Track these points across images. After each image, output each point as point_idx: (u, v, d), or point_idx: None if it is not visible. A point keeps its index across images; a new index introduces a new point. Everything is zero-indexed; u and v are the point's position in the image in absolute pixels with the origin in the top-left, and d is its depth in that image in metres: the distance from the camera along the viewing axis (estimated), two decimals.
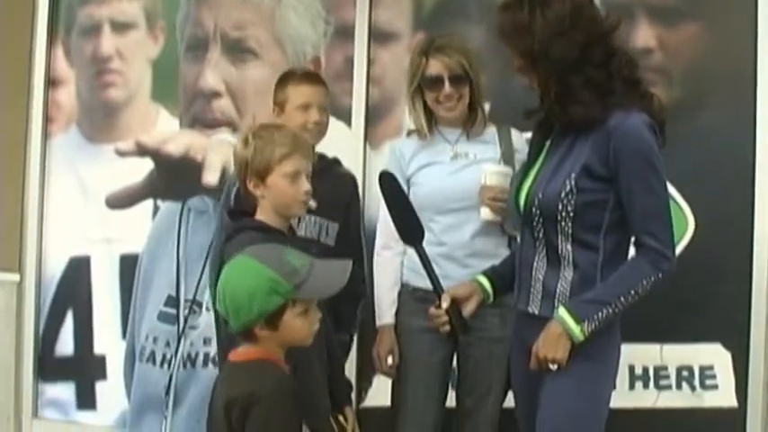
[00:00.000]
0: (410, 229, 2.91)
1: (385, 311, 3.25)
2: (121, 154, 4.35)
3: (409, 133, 3.34)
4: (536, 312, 2.70)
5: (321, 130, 3.31)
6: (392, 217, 2.95)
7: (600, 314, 2.56)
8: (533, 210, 2.69)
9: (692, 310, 3.73)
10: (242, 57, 4.20)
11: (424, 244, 3.01)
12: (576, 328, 2.56)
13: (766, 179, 3.70)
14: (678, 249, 3.12)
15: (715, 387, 3.77)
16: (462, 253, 3.14)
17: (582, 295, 2.59)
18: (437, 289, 2.83)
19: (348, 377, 3.19)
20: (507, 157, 3.20)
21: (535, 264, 2.72)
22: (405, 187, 3.17)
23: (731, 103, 3.74)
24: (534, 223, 2.70)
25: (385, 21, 4.09)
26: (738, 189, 3.69)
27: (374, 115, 4.08)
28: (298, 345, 2.53)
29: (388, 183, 2.95)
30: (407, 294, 3.24)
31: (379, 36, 4.09)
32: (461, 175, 3.19)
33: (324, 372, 2.91)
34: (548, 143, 2.75)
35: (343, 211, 3.36)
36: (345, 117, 4.06)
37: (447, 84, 3.16)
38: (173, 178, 4.27)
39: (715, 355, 3.76)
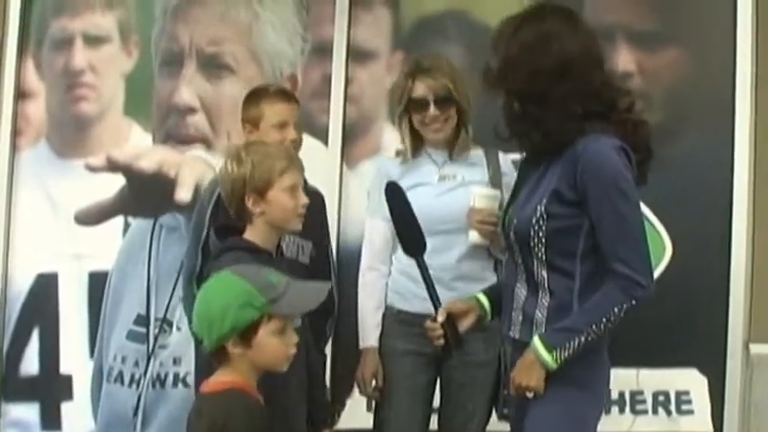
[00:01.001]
0: (414, 241, 2.88)
1: (369, 334, 3.21)
2: (92, 169, 4.27)
3: (398, 153, 3.33)
4: (516, 337, 2.69)
5: (297, 148, 3.28)
6: (397, 228, 2.92)
7: (572, 342, 2.54)
8: (511, 235, 2.68)
9: (669, 334, 3.72)
10: (217, 73, 4.15)
11: (411, 266, 2.99)
12: (547, 357, 2.55)
13: (744, 204, 3.72)
14: (655, 274, 3.09)
15: (691, 412, 3.78)
16: (449, 276, 3.10)
17: (556, 323, 2.58)
18: (435, 302, 2.80)
19: (327, 400, 3.14)
20: (495, 180, 3.19)
21: (516, 289, 2.70)
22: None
23: (709, 128, 3.77)
24: (513, 248, 2.70)
25: (363, 39, 4.07)
26: (716, 213, 3.70)
27: (351, 134, 4.05)
28: (272, 369, 2.44)
29: (395, 193, 2.92)
30: (392, 317, 3.21)
31: (357, 54, 4.06)
32: (449, 197, 3.17)
33: (302, 393, 2.86)
34: (528, 170, 2.73)
35: (317, 229, 3.32)
36: (322, 136, 4.03)
37: (432, 106, 3.16)
38: (144, 195, 4.20)
39: (691, 381, 3.77)
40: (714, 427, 3.73)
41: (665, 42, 3.80)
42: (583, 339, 2.54)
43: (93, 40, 4.32)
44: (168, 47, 4.22)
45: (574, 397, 2.61)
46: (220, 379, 2.41)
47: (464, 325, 2.80)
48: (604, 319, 2.54)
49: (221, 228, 2.92)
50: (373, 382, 3.17)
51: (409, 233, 2.88)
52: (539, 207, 2.59)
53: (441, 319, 2.77)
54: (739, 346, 3.70)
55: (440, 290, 3.00)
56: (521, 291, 2.68)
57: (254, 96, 3.33)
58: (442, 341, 2.80)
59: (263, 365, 2.43)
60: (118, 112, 4.29)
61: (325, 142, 4.01)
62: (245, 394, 2.39)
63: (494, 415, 3.21)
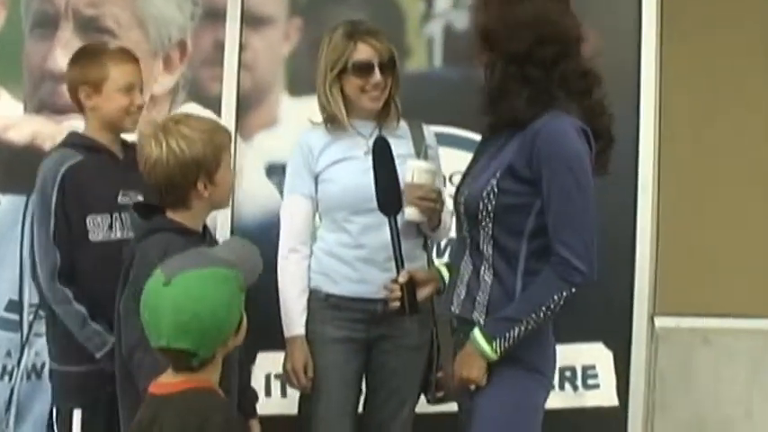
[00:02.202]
0: (392, 200, 2.79)
1: (295, 321, 2.97)
2: None
3: (318, 125, 3.07)
4: (456, 311, 2.61)
5: (140, 114, 3.03)
6: (379, 183, 2.80)
7: (511, 332, 2.48)
8: (460, 209, 2.59)
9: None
10: (97, 37, 3.77)
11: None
12: (487, 348, 2.49)
13: (649, 178, 3.73)
14: None
15: (597, 386, 3.78)
16: (383, 256, 2.90)
17: (495, 307, 2.51)
18: (398, 264, 2.72)
19: (252, 387, 2.92)
20: (419, 153, 3.00)
21: (462, 264, 2.62)
22: (312, 186, 2.99)
23: (614, 103, 3.74)
24: (462, 222, 2.61)
25: (258, 3, 3.84)
26: (620, 187, 3.68)
27: (245, 105, 3.82)
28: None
29: (384, 149, 2.81)
30: (319, 302, 2.99)
31: (251, 20, 3.83)
32: None
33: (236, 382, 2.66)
34: (485, 145, 2.65)
35: None
36: (214, 106, 3.79)
37: (378, 71, 2.93)
38: (15, 169, 3.83)
39: (597, 355, 3.77)
40: (620, 400, 3.76)
41: None
42: (523, 328, 2.48)
43: None
44: (41, 7, 3.86)
45: (521, 379, 2.55)
46: (183, 378, 2.15)
47: (422, 293, 2.74)
48: (544, 308, 2.48)
49: (140, 206, 2.66)
50: (308, 373, 2.95)
51: (390, 191, 2.77)
52: (491, 181, 2.51)
53: (402, 279, 2.70)
54: (644, 319, 3.73)
55: (374, 271, 2.89)
56: (466, 267, 2.60)
57: (93, 54, 3.00)
58: (397, 304, 2.71)
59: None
60: None
61: (218, 113, 3.76)
62: (217, 393, 2.19)
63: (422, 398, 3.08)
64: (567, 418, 3.71)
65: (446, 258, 3.47)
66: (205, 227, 2.68)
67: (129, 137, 3.04)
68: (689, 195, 3.73)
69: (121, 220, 2.94)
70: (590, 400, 3.76)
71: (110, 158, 3.00)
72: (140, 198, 2.87)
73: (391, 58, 2.97)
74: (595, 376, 3.77)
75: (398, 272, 2.74)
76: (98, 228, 2.93)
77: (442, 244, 3.61)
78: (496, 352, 2.47)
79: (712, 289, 3.71)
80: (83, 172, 2.92)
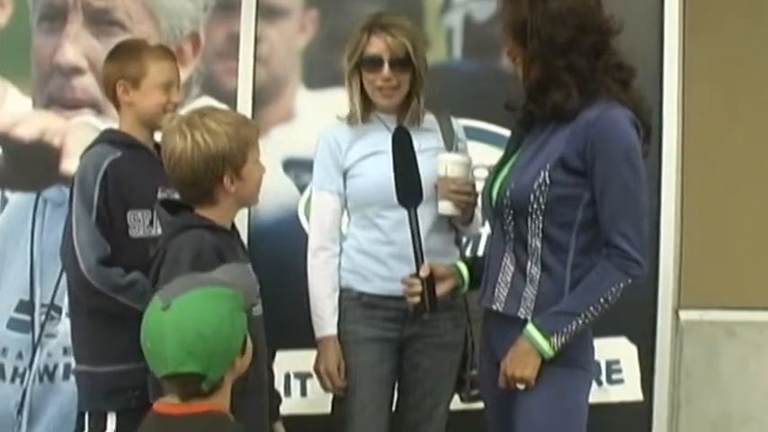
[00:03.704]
0: (412, 191, 2.73)
1: (327, 321, 2.90)
2: None
3: (342, 119, 3.00)
4: (500, 310, 2.55)
5: (176, 112, 2.93)
6: (398, 175, 2.74)
7: (569, 327, 2.43)
8: (504, 202, 2.53)
9: None
10: (107, 29, 3.71)
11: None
12: (545, 344, 2.43)
13: (672, 169, 3.70)
14: None
15: (621, 381, 3.74)
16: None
17: (550, 307, 2.45)
18: (418, 258, 2.65)
19: (276, 389, 2.85)
20: (449, 147, 2.93)
21: (503, 260, 2.56)
22: (341, 182, 2.93)
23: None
24: (505, 217, 2.55)
25: None
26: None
27: (261, 98, 3.73)
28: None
29: (403, 139, 2.75)
30: (351, 300, 2.92)
31: (266, 11, 3.73)
32: None
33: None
34: (527, 138, 2.59)
35: None
36: (230, 100, 3.68)
37: (387, 66, 2.86)
38: (24, 166, 3.75)
39: (621, 349, 3.73)
40: (644, 395, 3.72)
41: None
42: (580, 322, 2.43)
43: None
44: (49, 0, 3.75)
45: (566, 376, 2.50)
46: (191, 403, 2.06)
47: (441, 289, 2.69)
48: (602, 300, 2.43)
49: (167, 203, 2.58)
50: (341, 374, 2.89)
51: (409, 182, 2.71)
52: (542, 172, 2.45)
53: (423, 274, 2.64)
54: (669, 313, 3.69)
55: (405, 267, 2.80)
56: (508, 262, 2.54)
57: (133, 50, 2.96)
58: (417, 299, 2.64)
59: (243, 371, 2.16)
60: None
61: (234, 107, 3.65)
62: (231, 420, 2.10)
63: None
64: (591, 414, 3.57)
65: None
66: (233, 225, 2.61)
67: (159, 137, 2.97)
68: (713, 188, 3.71)
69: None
70: (614, 395, 3.72)
71: (147, 155, 2.93)
72: (177, 196, 2.80)
73: (406, 54, 2.88)
74: (620, 371, 3.73)
75: (418, 266, 2.67)
76: (139, 223, 2.88)
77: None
78: (554, 348, 2.42)
79: (737, 281, 3.69)
80: (123, 167, 2.87)
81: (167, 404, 2.08)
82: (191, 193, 2.49)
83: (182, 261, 2.39)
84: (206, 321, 2.00)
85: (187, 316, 2.01)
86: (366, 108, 2.94)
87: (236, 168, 2.46)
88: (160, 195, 2.85)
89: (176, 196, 2.61)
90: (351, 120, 2.96)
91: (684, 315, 3.70)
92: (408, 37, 2.89)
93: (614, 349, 3.70)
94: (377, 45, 2.87)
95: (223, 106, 3.58)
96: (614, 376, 3.73)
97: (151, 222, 2.90)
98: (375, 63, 2.87)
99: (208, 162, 2.43)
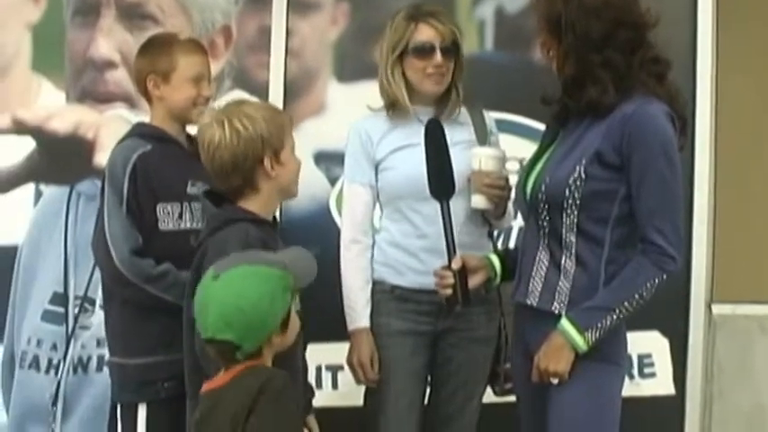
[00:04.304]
0: (445, 183, 2.73)
1: (360, 313, 2.91)
2: None
3: (376, 111, 2.99)
4: (534, 304, 2.54)
5: (207, 106, 2.96)
6: (430, 166, 2.74)
7: (604, 322, 2.42)
8: (539, 196, 2.52)
9: None
10: (140, 23, 3.74)
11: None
12: (579, 339, 2.42)
13: (705, 163, 3.68)
14: None
15: (653, 375, 3.73)
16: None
17: (584, 302, 2.44)
18: (450, 250, 2.66)
19: (309, 382, 2.86)
20: (481, 140, 2.93)
21: (538, 254, 2.55)
22: (372, 175, 2.94)
23: None
24: (540, 211, 2.53)
25: None
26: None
27: (293, 91, 3.74)
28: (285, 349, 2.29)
29: (435, 131, 2.75)
30: (384, 294, 2.93)
31: (297, 4, 3.75)
32: None
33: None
34: (562, 132, 2.58)
35: None
36: (261, 93, 3.69)
37: (439, 52, 2.86)
38: (58, 159, 3.78)
39: (653, 343, 3.71)
40: (677, 389, 3.70)
41: None
42: (615, 317, 2.43)
43: None
44: None
45: (601, 371, 2.50)
46: (232, 370, 2.21)
47: (474, 281, 2.69)
48: (636, 296, 2.42)
49: (209, 194, 2.59)
50: (375, 367, 2.89)
51: (441, 174, 2.71)
52: (578, 167, 2.44)
53: (455, 266, 2.64)
54: (701, 306, 3.67)
55: (439, 261, 2.79)
56: (543, 257, 2.53)
57: (164, 45, 2.97)
58: (449, 291, 2.64)
59: (284, 346, 2.27)
60: (24, 68, 3.83)
61: (265, 100, 3.63)
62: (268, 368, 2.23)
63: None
64: (623, 408, 3.56)
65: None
66: (274, 218, 2.62)
67: (192, 130, 2.99)
68: (746, 180, 3.68)
69: (191, 209, 2.90)
70: (647, 389, 3.70)
71: (178, 149, 2.95)
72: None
73: (454, 41, 2.90)
74: (652, 365, 3.71)
75: (450, 258, 2.67)
76: (168, 216, 2.89)
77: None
78: (588, 343, 2.41)
79: None
80: (153, 160, 2.88)
81: (213, 381, 2.24)
82: (232, 181, 2.48)
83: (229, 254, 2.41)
84: (245, 296, 2.15)
85: (230, 289, 2.16)
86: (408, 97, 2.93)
87: (276, 152, 2.47)
88: (190, 189, 2.87)
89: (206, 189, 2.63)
90: (393, 109, 2.94)
91: (717, 309, 3.67)
92: (455, 24, 2.92)
93: (646, 343, 3.69)
94: (426, 32, 2.88)
95: (254, 99, 3.62)
96: (646, 370, 3.71)
97: (180, 215, 2.91)
98: (426, 50, 2.87)
99: (248, 144, 2.44)
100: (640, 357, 3.70)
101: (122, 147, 2.93)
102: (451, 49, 2.89)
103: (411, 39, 2.87)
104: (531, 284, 2.54)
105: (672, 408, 3.70)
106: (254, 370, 2.19)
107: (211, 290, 2.18)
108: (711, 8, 3.67)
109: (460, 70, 2.94)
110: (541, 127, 2.88)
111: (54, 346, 3.75)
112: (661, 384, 3.71)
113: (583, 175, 2.44)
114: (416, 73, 2.89)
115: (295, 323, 2.26)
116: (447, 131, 2.83)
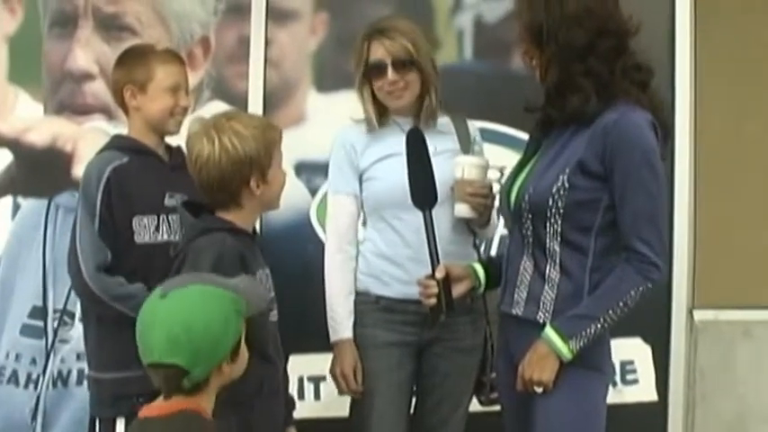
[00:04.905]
0: (427, 192, 2.71)
1: (343, 324, 2.89)
2: None
3: (358, 121, 2.99)
4: (519, 314, 2.54)
5: (184, 116, 2.96)
6: (413, 176, 2.72)
7: (588, 330, 2.42)
8: (523, 206, 2.52)
9: None
10: (118, 35, 3.72)
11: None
12: (563, 347, 2.42)
13: (685, 168, 3.69)
14: None
15: (636, 381, 3.73)
16: None
17: (569, 311, 2.44)
18: (434, 259, 2.64)
19: (290, 394, 2.84)
20: (465, 149, 2.93)
21: (522, 264, 2.55)
22: (356, 185, 2.93)
23: None
24: (524, 221, 2.54)
25: None
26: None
27: (272, 102, 3.73)
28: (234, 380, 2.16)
29: (417, 141, 2.73)
30: (368, 304, 2.91)
31: (276, 14, 3.74)
32: None
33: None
34: (545, 141, 2.58)
35: None
36: (241, 103, 3.69)
37: (390, 70, 2.86)
38: (36, 172, 3.75)
39: (635, 350, 3.71)
40: (659, 395, 3.71)
41: None
42: (599, 326, 2.43)
43: None
44: (59, 6, 3.76)
45: (585, 379, 2.49)
46: (171, 402, 2.05)
47: (458, 290, 2.67)
48: (621, 304, 2.42)
49: (188, 205, 2.57)
50: (358, 377, 2.88)
51: (423, 183, 2.70)
52: (561, 176, 2.44)
53: (440, 275, 2.62)
54: (683, 312, 3.68)
55: (421, 271, 2.78)
56: (527, 266, 2.53)
57: (141, 55, 2.96)
58: (433, 301, 2.63)
59: (234, 377, 2.14)
60: (1, 79, 3.79)
61: (245, 110, 3.65)
62: (207, 420, 2.08)
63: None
64: (607, 415, 3.65)
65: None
66: (254, 229, 2.61)
67: (173, 141, 2.97)
68: (726, 186, 3.69)
69: (168, 222, 2.88)
70: (629, 395, 3.70)
71: (155, 160, 2.93)
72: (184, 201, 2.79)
73: (408, 54, 2.87)
74: (634, 371, 3.72)
75: (434, 267, 2.66)
76: (144, 229, 2.86)
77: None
78: (572, 352, 2.41)
79: (751, 281, 3.67)
80: (129, 173, 2.86)
81: (150, 407, 2.09)
82: (217, 197, 2.49)
83: (203, 263, 2.39)
84: (196, 316, 2.00)
85: (179, 307, 2.02)
86: (381, 113, 2.95)
87: (263, 172, 2.46)
88: (168, 201, 2.85)
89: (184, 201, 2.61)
90: (368, 126, 2.96)
91: (699, 315, 3.68)
92: (408, 37, 2.88)
93: (629, 350, 3.69)
94: (377, 51, 2.88)
95: (245, 113, 3.61)
96: (629, 377, 3.72)
97: (157, 228, 2.88)
98: (379, 69, 2.88)
99: (236, 166, 2.43)
100: (623, 364, 3.71)
101: (97, 159, 2.91)
102: (405, 62, 2.87)
103: (367, 58, 2.89)
104: (516, 294, 2.54)
105: (655, 414, 3.70)
106: (188, 418, 2.03)
107: (158, 309, 2.02)
108: (689, 14, 3.68)
109: (429, 80, 2.91)
110: (521, 135, 2.89)
111: (33, 361, 3.72)
112: (644, 391, 3.71)
113: (566, 185, 2.44)
114: (378, 91, 2.91)
115: (245, 353, 2.12)
116: (430, 140, 2.82)
